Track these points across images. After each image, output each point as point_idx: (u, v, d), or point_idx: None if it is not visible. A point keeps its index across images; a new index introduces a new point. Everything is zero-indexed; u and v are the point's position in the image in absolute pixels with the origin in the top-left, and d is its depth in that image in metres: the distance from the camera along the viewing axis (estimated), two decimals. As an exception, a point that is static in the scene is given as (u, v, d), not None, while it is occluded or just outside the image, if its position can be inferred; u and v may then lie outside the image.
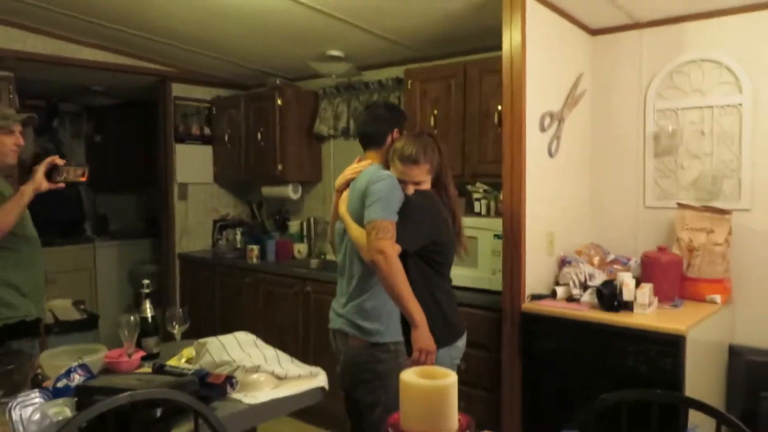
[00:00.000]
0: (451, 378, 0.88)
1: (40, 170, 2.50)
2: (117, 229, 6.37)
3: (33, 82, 4.98)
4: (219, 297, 4.71)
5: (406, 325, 2.33)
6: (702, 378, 2.64)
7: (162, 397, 1.66)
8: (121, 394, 1.59)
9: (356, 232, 2.34)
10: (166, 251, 5.13)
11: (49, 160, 2.53)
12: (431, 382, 0.87)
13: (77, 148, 6.39)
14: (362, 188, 2.34)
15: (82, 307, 4.65)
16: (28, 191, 2.48)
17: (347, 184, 2.48)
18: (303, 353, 3.97)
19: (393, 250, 2.21)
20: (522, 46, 2.76)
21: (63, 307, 4.51)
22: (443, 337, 2.36)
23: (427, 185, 2.39)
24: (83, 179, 2.58)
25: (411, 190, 2.35)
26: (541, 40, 2.89)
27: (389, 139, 2.47)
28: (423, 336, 2.24)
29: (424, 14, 3.22)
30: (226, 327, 4.00)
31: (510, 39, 2.79)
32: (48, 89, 5.66)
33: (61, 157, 5.80)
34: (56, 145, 6.14)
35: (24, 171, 5.45)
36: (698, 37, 3.00)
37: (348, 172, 2.50)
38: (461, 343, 2.46)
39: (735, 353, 2.86)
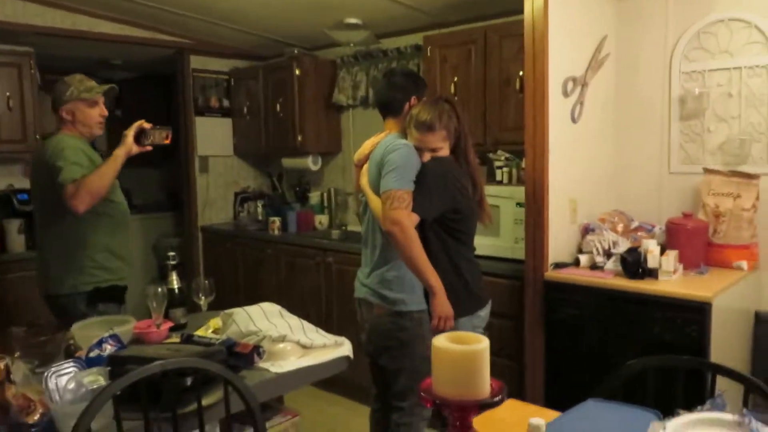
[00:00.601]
0: (483, 343, 0.89)
1: (130, 134, 2.59)
2: (140, 203, 6.43)
3: (52, 57, 5.00)
4: (242, 268, 4.76)
5: (428, 293, 2.34)
6: (728, 345, 2.62)
7: (193, 366, 1.70)
8: (152, 363, 1.63)
9: (375, 203, 2.35)
10: (189, 224, 5.19)
11: (137, 124, 2.63)
12: (463, 347, 0.87)
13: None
14: (378, 159, 2.34)
15: (108, 279, 4.72)
16: (120, 155, 2.57)
17: (367, 158, 2.47)
18: (326, 323, 4.01)
19: (408, 219, 2.21)
20: (544, 8, 2.71)
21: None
22: (465, 305, 2.37)
23: (445, 152, 2.37)
24: (167, 141, 2.72)
25: (427, 157, 2.33)
26: (564, 2, 2.82)
27: (407, 107, 2.45)
28: (441, 303, 2.27)
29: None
30: (250, 298, 4.05)
31: (532, 2, 2.73)
32: (67, 64, 5.67)
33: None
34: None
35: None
36: (727, -4, 2.91)
37: (366, 146, 2.49)
38: (484, 312, 2.46)
39: (761, 320, 2.83)
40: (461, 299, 2.35)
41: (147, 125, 2.64)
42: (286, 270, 4.38)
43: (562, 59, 2.84)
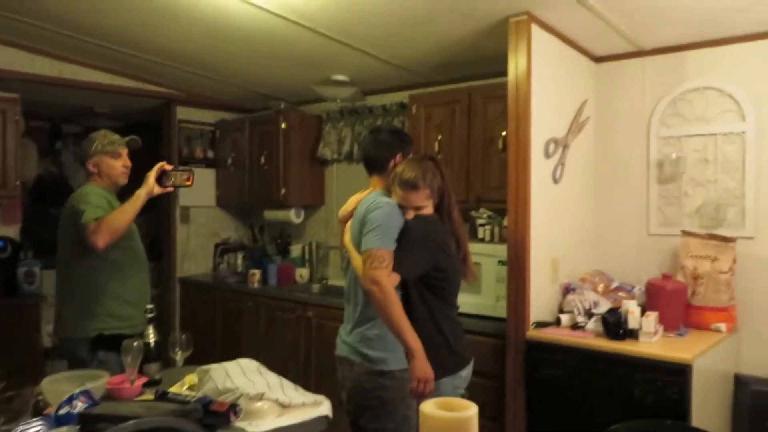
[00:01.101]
0: (472, 410, 0.87)
1: (152, 175, 2.67)
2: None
3: (37, 104, 5.02)
4: (220, 321, 4.68)
5: None
6: (708, 408, 2.61)
7: (168, 426, 1.64)
8: (126, 422, 1.57)
9: (357, 260, 2.33)
10: (167, 275, 5.11)
11: (158, 166, 2.70)
12: (452, 414, 0.85)
13: (79, 170, 6.37)
14: (361, 216, 2.34)
15: (82, 330, 4.60)
16: (141, 195, 2.65)
17: (351, 215, 2.47)
18: (305, 378, 3.94)
19: (387, 279, 2.20)
20: (527, 72, 2.79)
21: (62, 330, 4.48)
22: (447, 365, 2.33)
23: (428, 210, 2.38)
24: (189, 183, 2.75)
25: (411, 215, 2.33)
26: (547, 66, 2.92)
27: (392, 165, 2.46)
28: (420, 365, 2.22)
29: (430, 40, 3.25)
30: (228, 352, 3.97)
31: (516, 65, 2.82)
32: (52, 111, 5.69)
33: (60, 180, 5.84)
34: (59, 167, 6.15)
35: (26, 192, 5.48)
36: (701, 65, 3.03)
37: (351, 203, 2.50)
38: (466, 372, 2.43)
39: (741, 383, 2.84)
40: (443, 359, 2.31)
41: (168, 167, 2.72)
42: (265, 323, 4.31)
43: (545, 121, 2.92)
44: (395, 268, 2.23)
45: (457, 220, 2.46)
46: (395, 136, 2.56)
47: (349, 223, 2.49)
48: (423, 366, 2.22)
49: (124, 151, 2.91)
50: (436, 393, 2.36)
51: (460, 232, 2.46)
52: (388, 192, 2.42)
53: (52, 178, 5.99)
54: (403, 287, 2.28)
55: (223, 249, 5.17)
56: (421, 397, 2.29)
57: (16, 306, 3.92)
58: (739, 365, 2.91)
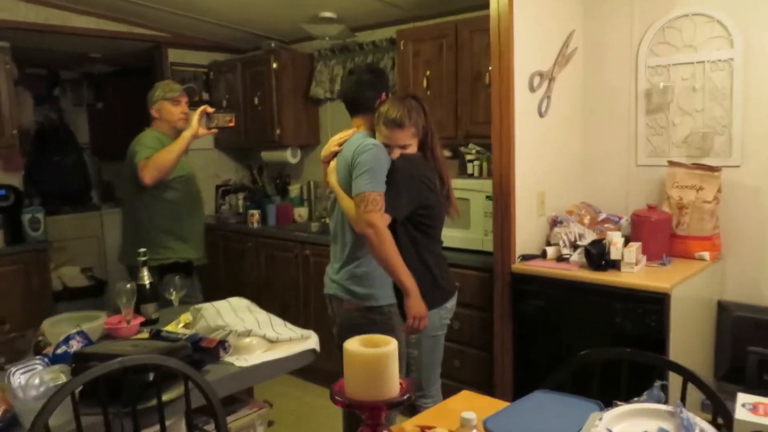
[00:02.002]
0: (391, 345, 0.93)
1: (195, 117, 2.97)
2: (123, 196, 6.44)
3: (33, 51, 4.99)
4: (222, 261, 4.79)
5: (399, 289, 2.39)
6: (689, 334, 2.69)
7: (152, 363, 1.74)
8: (113, 360, 1.67)
9: (346, 202, 2.37)
10: (170, 216, 5.19)
11: (201, 109, 3.06)
12: (372, 350, 0.91)
13: (79, 115, 6.42)
14: (349, 159, 2.35)
15: (90, 274, 4.76)
16: (186, 136, 2.96)
17: (333, 155, 2.49)
18: (304, 315, 4.07)
19: (382, 222, 2.25)
20: (509, 4, 2.74)
21: (71, 275, 4.64)
22: (433, 299, 2.42)
23: (413, 149, 2.41)
24: (231, 124, 3.04)
25: (397, 154, 2.36)
26: (530, -2, 2.86)
27: (377, 104, 2.46)
28: (415, 303, 2.32)
29: (412, -26, 3.19)
30: (231, 291, 4.06)
31: (497, -2, 2.77)
32: (48, 57, 5.67)
33: (61, 126, 5.91)
34: (58, 113, 6.18)
35: (27, 140, 5.53)
36: (691, -9, 2.95)
37: (332, 143, 2.52)
38: (451, 303, 2.52)
39: (723, 309, 2.90)
40: (429, 293, 2.39)
41: (210, 110, 3.00)
42: (265, 263, 4.42)
43: (529, 54, 2.88)
44: (386, 209, 2.28)
45: (440, 158, 2.49)
46: (377, 75, 2.56)
47: (333, 164, 2.51)
48: (418, 304, 2.32)
49: (183, 99, 3.19)
50: (425, 326, 2.47)
51: (443, 170, 2.49)
52: (371, 132, 2.43)
53: (52, 125, 6.03)
54: (391, 226, 2.33)
55: (225, 190, 5.23)
56: (416, 332, 2.40)
57: (23, 252, 4.04)
58: (723, 292, 2.96)
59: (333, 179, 2.47)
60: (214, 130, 3.03)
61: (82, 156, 6.20)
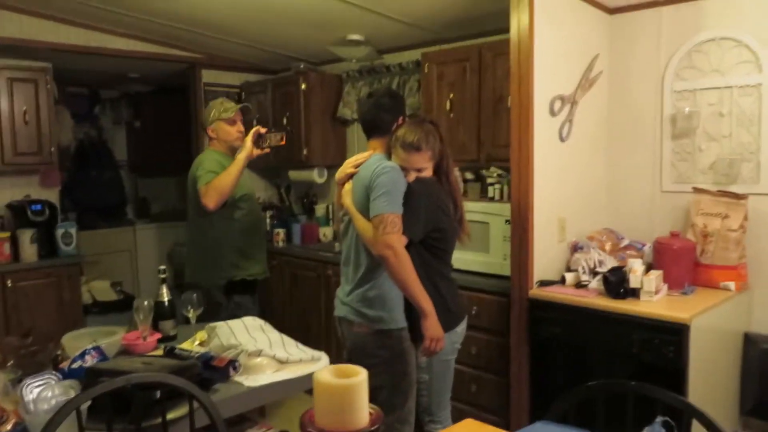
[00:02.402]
0: (361, 376, 0.94)
1: (249, 139, 3.01)
2: (157, 212, 6.60)
3: (75, 71, 5.20)
4: (249, 278, 4.84)
5: (409, 311, 2.38)
6: (712, 366, 2.60)
7: (157, 381, 1.77)
8: (119, 377, 1.71)
9: (362, 224, 2.38)
10: (200, 234, 5.30)
11: (254, 130, 3.03)
12: (341, 381, 0.92)
13: (118, 133, 6.63)
14: (366, 180, 2.36)
15: (119, 288, 4.88)
16: (241, 158, 2.99)
17: (348, 177, 2.51)
18: (326, 335, 4.08)
19: (401, 243, 2.26)
20: (530, 29, 2.73)
21: (102, 289, 4.76)
22: (444, 322, 2.40)
23: (428, 172, 2.42)
24: (283, 143, 3.06)
25: (413, 177, 2.38)
26: (552, 21, 2.85)
27: (393, 127, 2.48)
28: (432, 325, 2.31)
29: (437, -3, 3.22)
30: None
31: (517, 22, 2.77)
32: (89, 77, 5.89)
33: (100, 143, 6.09)
34: (98, 131, 6.39)
35: (67, 157, 5.73)
36: (718, 15, 2.90)
37: (348, 165, 2.53)
38: (461, 328, 2.50)
39: (750, 341, 2.80)
40: (440, 317, 2.38)
41: (263, 130, 3.03)
42: (290, 281, 4.46)
43: (549, 79, 2.87)
44: (403, 231, 2.29)
45: (454, 182, 2.50)
46: (396, 99, 2.58)
47: (348, 186, 2.53)
48: (435, 326, 2.32)
49: (239, 118, 3.20)
50: (437, 350, 2.46)
51: (457, 194, 2.50)
52: (388, 155, 2.45)
53: (92, 141, 6.23)
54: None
55: (254, 208, 5.30)
56: (432, 354, 2.39)
57: (56, 266, 4.17)
58: (750, 324, 2.86)
59: (348, 201, 2.49)
60: (267, 150, 3.04)
61: (119, 172, 6.40)
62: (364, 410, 0.91)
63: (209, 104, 3.26)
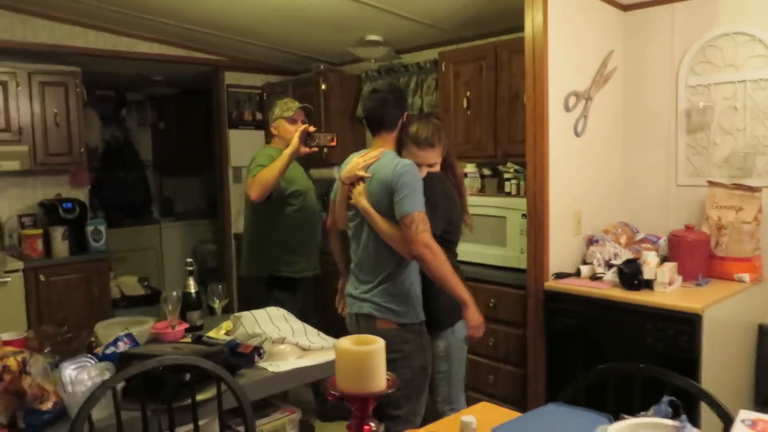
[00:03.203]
0: (379, 343, 1.02)
1: (296, 137, 2.99)
2: (181, 211, 6.76)
3: (101, 75, 5.37)
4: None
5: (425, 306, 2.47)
6: (725, 357, 2.64)
7: (187, 363, 1.87)
8: (151, 359, 1.81)
9: (383, 224, 2.36)
10: (223, 232, 5.44)
11: (302, 128, 3.00)
12: (361, 348, 1.00)
13: (143, 134, 6.81)
14: (387, 180, 2.33)
15: (146, 283, 5.03)
16: (287, 153, 3.01)
17: (356, 177, 2.45)
18: (342, 324, 4.15)
19: (434, 240, 2.29)
20: (544, 26, 2.80)
21: (129, 284, 4.91)
22: (458, 311, 2.48)
23: (438, 167, 2.48)
24: (333, 144, 3.03)
25: (425, 172, 2.41)
26: (566, 19, 2.91)
27: (400, 123, 2.49)
28: (474, 314, 2.41)
29: (453, -2, 3.29)
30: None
31: (532, 20, 2.83)
32: (115, 80, 6.06)
33: (126, 145, 6.24)
34: (124, 132, 6.56)
35: (95, 158, 5.91)
36: (731, 10, 2.93)
37: (358, 165, 2.46)
38: None
39: (765, 333, 2.83)
40: (454, 307, 2.45)
41: (312, 129, 3.00)
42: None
43: (564, 75, 2.92)
44: None
45: (459, 176, 2.59)
46: (401, 95, 2.56)
47: (361, 187, 2.45)
48: (476, 314, 2.41)
49: (300, 117, 3.26)
50: (452, 335, 2.54)
51: (462, 186, 2.57)
52: (397, 151, 2.50)
53: (118, 143, 6.41)
54: None
55: (274, 205, 5.42)
56: (476, 340, 2.48)
57: (86, 261, 4.33)
58: (766, 315, 2.89)
59: (364, 202, 2.42)
60: (315, 149, 3.04)
61: (145, 172, 6.56)
62: (381, 375, 0.99)
63: (275, 103, 3.37)
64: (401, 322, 2.44)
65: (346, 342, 1.01)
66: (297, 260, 3.27)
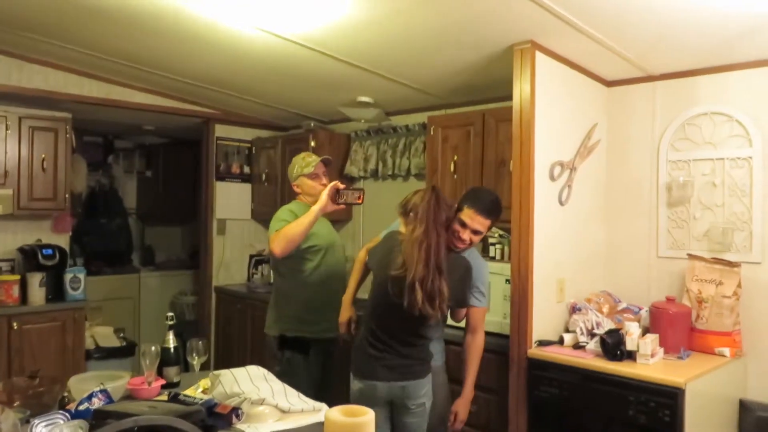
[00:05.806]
0: (368, 416, 1.01)
1: (325, 193, 2.91)
2: (162, 260, 6.68)
3: (91, 121, 5.39)
4: (251, 329, 4.89)
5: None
6: (706, 431, 2.62)
7: (164, 424, 1.81)
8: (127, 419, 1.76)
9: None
10: (204, 283, 5.38)
11: (332, 185, 2.94)
12: (350, 420, 0.99)
13: (129, 182, 6.79)
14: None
15: (121, 335, 4.91)
16: (315, 210, 2.92)
17: None
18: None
19: None
20: (531, 98, 2.89)
21: (105, 334, 4.79)
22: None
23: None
24: (359, 201, 2.98)
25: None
26: (552, 92, 3.01)
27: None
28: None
29: (442, 66, 3.39)
30: (257, 358, 4.16)
31: (520, 91, 2.92)
32: (105, 127, 6.09)
33: (111, 191, 6.19)
34: (110, 179, 6.55)
35: (78, 203, 5.86)
36: (710, 91, 3.06)
37: None
38: None
39: (745, 408, 2.83)
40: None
41: (341, 186, 2.95)
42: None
43: (550, 145, 3.00)
44: None
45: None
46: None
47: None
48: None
49: (321, 170, 3.22)
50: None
51: None
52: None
53: (102, 189, 6.38)
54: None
55: (257, 260, 5.40)
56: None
57: (63, 310, 4.23)
58: (746, 391, 2.90)
59: None
60: (342, 206, 2.98)
61: (127, 219, 6.51)
62: (370, 447, 0.98)
63: (292, 160, 3.31)
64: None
65: (335, 413, 1.00)
66: (317, 319, 3.14)
